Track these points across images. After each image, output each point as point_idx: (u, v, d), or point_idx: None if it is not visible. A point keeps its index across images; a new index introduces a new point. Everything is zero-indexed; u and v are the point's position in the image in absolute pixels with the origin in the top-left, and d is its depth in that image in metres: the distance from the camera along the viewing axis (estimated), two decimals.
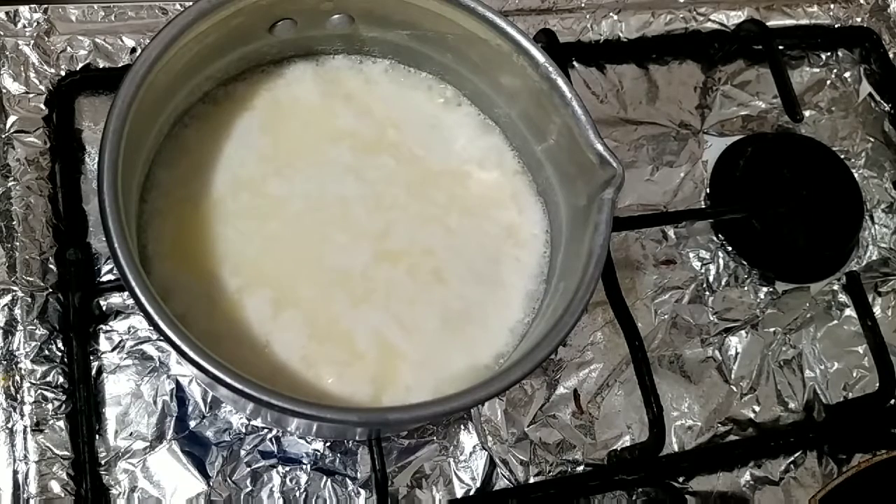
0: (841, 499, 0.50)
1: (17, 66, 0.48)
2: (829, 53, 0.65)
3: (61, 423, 0.43)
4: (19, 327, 0.44)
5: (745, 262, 0.56)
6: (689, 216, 0.56)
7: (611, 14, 0.59)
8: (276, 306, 0.40)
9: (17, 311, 0.44)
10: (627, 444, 0.50)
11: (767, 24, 0.61)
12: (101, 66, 0.49)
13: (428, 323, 0.42)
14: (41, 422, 0.42)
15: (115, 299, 0.46)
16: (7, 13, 0.49)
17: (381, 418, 0.35)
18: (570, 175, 0.42)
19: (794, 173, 0.58)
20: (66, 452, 0.42)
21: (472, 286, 0.43)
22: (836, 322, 0.57)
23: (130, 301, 0.44)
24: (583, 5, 0.59)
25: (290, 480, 0.45)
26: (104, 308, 0.45)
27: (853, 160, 0.62)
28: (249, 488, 0.44)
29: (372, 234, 0.42)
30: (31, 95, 0.48)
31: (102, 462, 0.43)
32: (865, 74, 0.65)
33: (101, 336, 0.45)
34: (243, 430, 0.45)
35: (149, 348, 0.45)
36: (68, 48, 0.49)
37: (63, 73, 0.49)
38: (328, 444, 0.46)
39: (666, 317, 0.54)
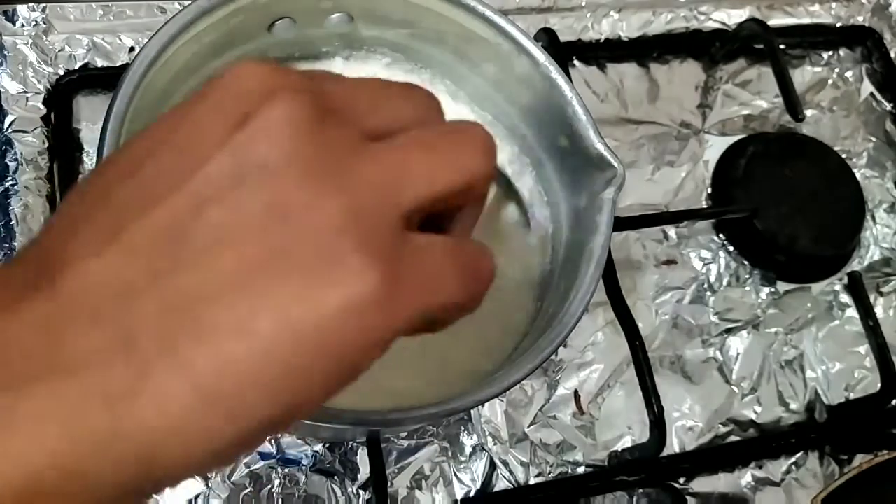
0: (842, 500, 0.50)
1: (15, 66, 0.48)
2: (830, 53, 0.65)
3: None
4: None
5: (746, 262, 0.56)
6: (690, 216, 0.56)
7: (611, 13, 0.59)
8: None
9: None
10: (628, 444, 0.50)
11: (769, 23, 0.61)
12: (99, 65, 0.49)
13: None
14: None
15: None
16: (5, 12, 0.49)
17: (381, 419, 0.35)
18: (570, 175, 0.42)
19: (796, 173, 0.58)
20: None
21: None
22: (837, 322, 0.57)
23: None
24: (583, 4, 0.58)
25: (290, 482, 0.45)
26: None
27: (855, 160, 0.62)
28: (248, 489, 0.44)
29: None
30: (29, 95, 0.47)
31: None
32: (867, 74, 0.65)
33: None
34: None
35: None
36: (66, 47, 0.49)
37: (61, 73, 0.48)
38: (327, 445, 0.45)
39: (667, 317, 0.53)
